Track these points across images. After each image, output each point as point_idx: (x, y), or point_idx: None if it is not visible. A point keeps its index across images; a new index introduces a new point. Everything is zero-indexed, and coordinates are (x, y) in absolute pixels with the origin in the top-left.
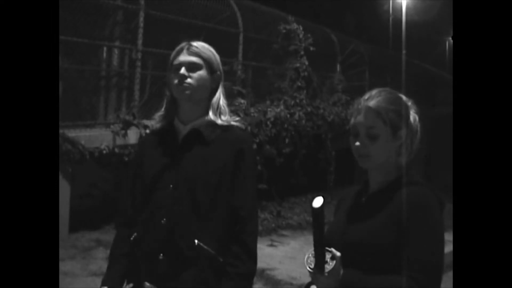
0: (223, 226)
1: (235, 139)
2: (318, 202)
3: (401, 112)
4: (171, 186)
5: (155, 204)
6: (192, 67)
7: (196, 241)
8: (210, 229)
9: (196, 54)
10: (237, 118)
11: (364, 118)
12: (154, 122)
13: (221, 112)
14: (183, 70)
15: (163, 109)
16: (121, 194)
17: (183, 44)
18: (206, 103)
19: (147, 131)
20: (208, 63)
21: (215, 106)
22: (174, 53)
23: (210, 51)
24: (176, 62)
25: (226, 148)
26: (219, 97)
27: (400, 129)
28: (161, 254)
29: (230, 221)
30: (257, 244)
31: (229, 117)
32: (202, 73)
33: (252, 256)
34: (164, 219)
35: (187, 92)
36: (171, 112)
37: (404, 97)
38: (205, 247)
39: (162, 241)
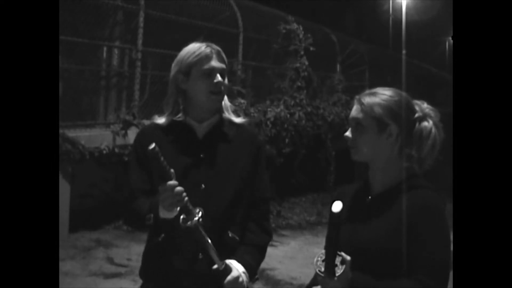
0: (244, 214)
1: (253, 135)
2: (337, 206)
3: (392, 108)
4: (202, 185)
5: None
6: (223, 73)
7: (229, 233)
8: (237, 219)
9: (224, 61)
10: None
11: (354, 111)
12: (162, 119)
13: (232, 110)
14: (220, 78)
15: (170, 108)
16: (131, 181)
17: (205, 48)
18: None
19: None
20: (227, 67)
21: (228, 104)
22: (199, 57)
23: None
24: (207, 66)
25: (247, 145)
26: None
27: (388, 125)
28: (200, 254)
29: (250, 208)
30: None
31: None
32: (226, 79)
33: (268, 231)
34: (201, 219)
35: (220, 100)
36: (183, 109)
37: (418, 101)
38: (236, 237)
39: None
